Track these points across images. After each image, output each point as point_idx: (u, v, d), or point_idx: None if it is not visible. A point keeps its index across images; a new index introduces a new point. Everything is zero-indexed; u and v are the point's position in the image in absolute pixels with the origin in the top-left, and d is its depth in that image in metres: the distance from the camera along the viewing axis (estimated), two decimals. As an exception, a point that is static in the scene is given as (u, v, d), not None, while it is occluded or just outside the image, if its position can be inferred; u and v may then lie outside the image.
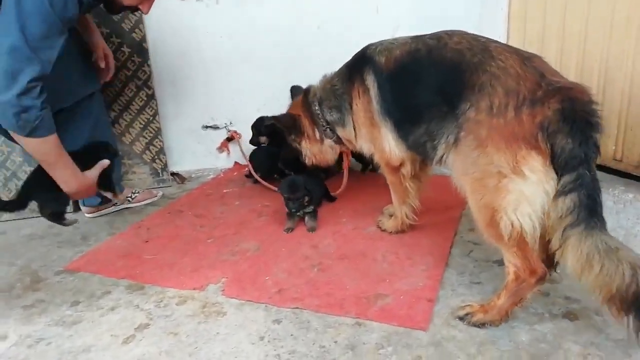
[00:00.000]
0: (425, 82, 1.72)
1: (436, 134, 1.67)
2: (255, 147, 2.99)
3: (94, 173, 2.02)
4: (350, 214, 2.39)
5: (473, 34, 1.71)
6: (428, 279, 1.77)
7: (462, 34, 1.71)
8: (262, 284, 1.81)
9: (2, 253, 2.20)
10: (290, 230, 2.24)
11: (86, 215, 2.59)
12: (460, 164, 1.58)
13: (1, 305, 1.77)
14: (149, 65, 2.97)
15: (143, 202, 2.72)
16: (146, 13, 2.14)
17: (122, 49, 2.90)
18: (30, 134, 1.77)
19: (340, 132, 2.18)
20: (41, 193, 1.97)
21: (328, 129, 2.20)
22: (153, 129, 3.05)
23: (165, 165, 3.09)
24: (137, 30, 2.90)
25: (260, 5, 3.13)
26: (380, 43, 1.96)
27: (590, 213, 1.36)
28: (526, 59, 1.52)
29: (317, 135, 2.24)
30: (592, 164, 1.40)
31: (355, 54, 2.07)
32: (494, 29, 2.48)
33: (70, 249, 2.20)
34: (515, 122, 1.43)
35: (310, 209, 2.26)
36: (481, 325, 1.51)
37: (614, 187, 1.94)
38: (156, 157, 3.06)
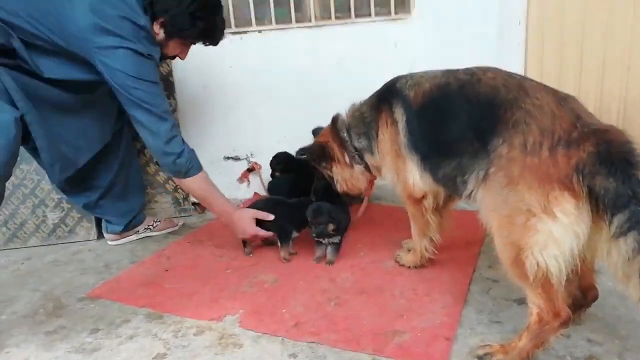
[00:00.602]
0: (457, 117, 1.71)
1: (467, 169, 1.66)
2: (273, 178, 3.07)
3: (249, 215, 2.31)
4: (368, 247, 2.39)
5: (507, 71, 1.70)
6: (446, 316, 1.75)
7: (496, 70, 1.71)
8: (279, 316, 1.81)
9: (27, 279, 2.26)
10: (319, 259, 2.27)
11: (109, 242, 2.64)
12: (490, 200, 1.55)
13: (24, 331, 1.81)
14: (174, 98, 3.07)
15: (164, 231, 2.77)
16: (183, 59, 2.33)
17: (150, 82, 3.00)
18: (186, 174, 2.17)
19: (368, 159, 2.18)
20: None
21: (357, 156, 2.20)
22: (178, 160, 3.11)
23: (187, 195, 3.15)
24: (164, 64, 3.01)
25: (281, 41, 3.23)
26: (411, 76, 1.96)
27: None
28: (562, 99, 1.51)
29: (347, 160, 2.23)
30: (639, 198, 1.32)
31: (385, 84, 2.09)
32: (511, 65, 2.51)
33: (93, 276, 2.25)
34: (549, 162, 1.41)
35: (336, 239, 2.26)
36: None
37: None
38: (178, 187, 3.12)
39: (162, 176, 3.09)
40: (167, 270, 2.26)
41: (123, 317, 1.87)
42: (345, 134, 2.21)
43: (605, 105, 2.04)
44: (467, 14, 2.96)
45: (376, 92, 2.14)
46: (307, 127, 3.20)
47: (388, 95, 2.01)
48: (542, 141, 1.44)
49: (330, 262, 2.25)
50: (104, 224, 2.67)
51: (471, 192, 1.66)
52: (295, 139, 3.21)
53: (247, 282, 2.09)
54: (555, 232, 1.38)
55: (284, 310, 1.85)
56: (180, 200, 3.12)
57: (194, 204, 3.14)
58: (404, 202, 2.08)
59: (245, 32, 3.19)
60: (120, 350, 1.66)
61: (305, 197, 2.52)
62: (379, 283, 2.03)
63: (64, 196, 2.62)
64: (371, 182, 2.40)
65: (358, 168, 2.24)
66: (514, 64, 2.55)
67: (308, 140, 3.17)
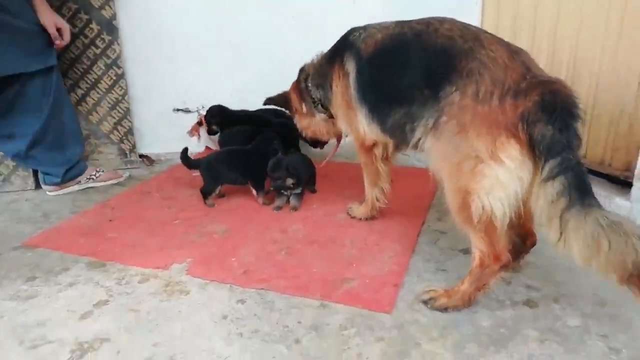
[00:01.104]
0: (410, 65, 1.72)
1: (416, 117, 1.67)
2: (211, 133, 3.03)
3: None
4: (321, 200, 2.39)
5: (463, 22, 1.70)
6: (394, 265, 1.78)
7: (453, 21, 1.71)
8: (228, 265, 1.78)
9: (-43, 227, 2.11)
10: (278, 208, 2.28)
11: (48, 193, 2.50)
12: (441, 148, 1.58)
13: (-48, 279, 1.69)
14: (118, 44, 2.90)
15: (108, 182, 2.65)
16: None
17: (91, 25, 2.82)
18: None
19: (330, 108, 2.19)
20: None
21: (319, 104, 2.22)
22: (122, 109, 2.98)
23: (134, 146, 3.03)
24: (107, 7, 2.82)
25: (236, -11, 3.10)
26: (364, 28, 1.97)
27: (582, 192, 1.33)
28: (515, 52, 1.54)
29: (305, 109, 2.28)
30: (575, 150, 1.39)
31: (340, 37, 2.08)
32: (468, 17, 2.52)
33: (30, 225, 2.13)
34: (498, 110, 1.45)
35: (297, 190, 2.29)
36: (444, 309, 1.53)
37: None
38: (124, 137, 2.99)
39: (106, 125, 2.94)
40: (111, 221, 2.17)
41: (62, 265, 1.78)
42: (304, 85, 2.24)
43: (557, 60, 2.07)
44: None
45: (333, 44, 2.13)
46: (261, 80, 3.11)
47: (341, 48, 2.03)
48: (493, 90, 1.47)
49: (294, 208, 2.28)
50: (40, 175, 2.52)
51: (419, 140, 1.68)
52: (248, 92, 3.12)
53: (196, 232, 2.04)
54: (501, 176, 1.43)
55: (233, 259, 1.82)
56: (127, 152, 2.99)
57: (141, 155, 3.02)
58: (357, 154, 2.11)
59: (197, -23, 3.03)
60: (59, 297, 1.59)
61: (258, 142, 2.47)
62: (331, 234, 2.03)
63: None
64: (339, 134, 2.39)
65: (320, 116, 2.26)
66: (472, 17, 2.55)
67: (261, 93, 3.09)
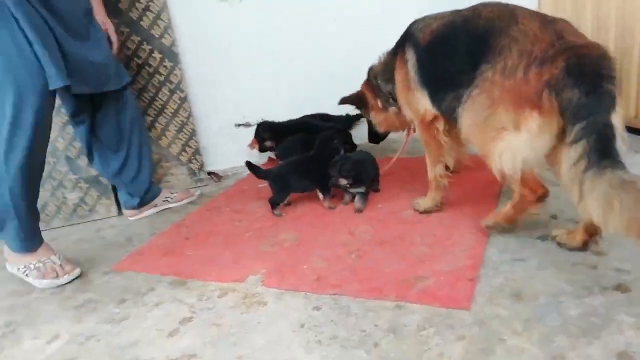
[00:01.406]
0: (458, 50, 1.80)
1: (462, 96, 1.76)
2: (267, 149, 3.08)
3: None
4: (385, 199, 2.37)
5: (505, 3, 1.76)
6: (468, 258, 1.73)
7: (496, 4, 1.78)
8: (301, 272, 1.81)
9: (54, 258, 2.31)
10: (347, 203, 2.37)
11: (129, 218, 2.67)
12: (472, 117, 1.72)
13: (54, 307, 1.85)
14: (180, 69, 3.04)
15: (182, 202, 2.79)
16: None
17: (153, 55, 2.98)
18: None
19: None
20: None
21: (390, 98, 2.32)
22: (188, 131, 3.12)
23: (202, 165, 3.16)
24: (166, 35, 2.97)
25: (282, 3, 3.14)
26: (423, 19, 2.07)
27: (601, 155, 1.35)
28: (548, 22, 1.57)
29: (380, 104, 2.41)
30: (604, 113, 1.40)
31: (404, 31, 2.17)
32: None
33: (116, 250, 2.28)
34: (522, 82, 1.54)
35: (360, 189, 2.30)
36: (493, 228, 1.86)
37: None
38: (192, 157, 3.13)
39: (175, 148, 3.09)
40: (187, 239, 2.28)
41: (148, 286, 1.90)
42: (375, 82, 2.38)
43: (628, 26, 1.88)
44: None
45: (397, 41, 2.23)
46: (313, 87, 3.16)
47: (403, 39, 2.14)
48: (519, 63, 1.56)
49: (359, 210, 2.28)
50: (122, 200, 2.70)
51: (457, 115, 1.81)
52: (303, 100, 3.17)
53: (268, 243, 2.10)
54: (514, 143, 1.59)
55: (305, 266, 1.85)
56: (196, 170, 3.13)
57: (209, 173, 3.14)
58: (418, 132, 2.18)
59: (244, -5, 3.12)
60: (148, 317, 1.69)
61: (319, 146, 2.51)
62: (399, 232, 2.00)
63: (91, 165, 2.65)
64: (409, 128, 2.48)
65: (392, 110, 2.37)
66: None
67: (315, 101, 3.14)
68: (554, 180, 1.71)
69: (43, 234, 2.13)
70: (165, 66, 3.00)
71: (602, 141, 1.37)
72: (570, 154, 1.41)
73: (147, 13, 2.91)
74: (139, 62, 2.96)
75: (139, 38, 2.93)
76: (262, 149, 3.11)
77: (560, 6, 2.28)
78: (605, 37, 2.11)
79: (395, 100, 2.29)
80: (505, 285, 1.55)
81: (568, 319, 1.36)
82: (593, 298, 1.43)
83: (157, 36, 2.95)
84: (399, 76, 2.14)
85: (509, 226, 1.82)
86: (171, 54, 3.00)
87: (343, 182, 2.24)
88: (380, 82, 2.34)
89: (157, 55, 2.98)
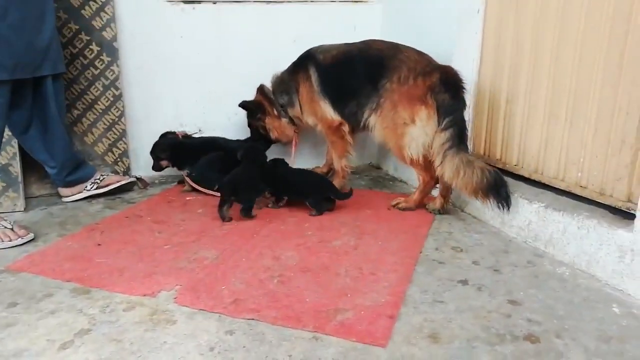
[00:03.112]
0: (357, 71, 2.58)
1: (364, 104, 2.56)
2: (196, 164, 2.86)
3: None
4: (316, 227, 2.33)
5: (388, 41, 2.65)
6: (390, 295, 1.72)
7: (382, 41, 2.71)
8: (217, 293, 1.72)
9: (-61, 249, 2.05)
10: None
11: (64, 199, 2.66)
12: (382, 120, 2.50)
13: None
14: (118, 66, 2.89)
15: (115, 185, 2.73)
16: None
17: (91, 46, 2.82)
18: None
19: (290, 112, 2.88)
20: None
21: (282, 111, 2.90)
22: (118, 131, 2.95)
23: (129, 168, 2.99)
24: (108, 28, 2.83)
25: (236, 15, 3.11)
26: (320, 46, 2.76)
27: (460, 141, 2.30)
28: (421, 53, 2.50)
29: (276, 112, 2.91)
30: (461, 111, 2.36)
31: (300, 56, 2.81)
32: (467, 52, 2.53)
33: (15, 248, 2.07)
34: (414, 86, 2.38)
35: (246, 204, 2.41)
36: (405, 209, 2.55)
37: (579, 213, 1.94)
38: (119, 159, 2.96)
39: (101, 147, 2.91)
40: (99, 245, 2.11)
41: (45, 291, 1.72)
42: (271, 96, 2.91)
43: (557, 98, 2.08)
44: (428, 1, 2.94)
45: (293, 62, 2.85)
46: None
47: (304, 60, 2.77)
48: (409, 75, 2.40)
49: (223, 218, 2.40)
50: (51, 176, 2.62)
51: (366, 120, 2.57)
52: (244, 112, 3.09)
53: (186, 258, 1.98)
54: (414, 133, 2.38)
55: (223, 287, 1.75)
56: (120, 174, 2.94)
57: (137, 178, 2.96)
58: (325, 135, 2.82)
59: (199, 2, 3.04)
60: (39, 325, 1.51)
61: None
62: (325, 262, 1.97)
63: None
64: (297, 135, 3.02)
65: (284, 120, 2.93)
66: (469, 52, 2.56)
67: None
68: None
69: None
70: (102, 60, 2.85)
71: (461, 131, 2.32)
72: (441, 137, 2.30)
73: (91, 3, 2.76)
74: (74, 51, 2.79)
75: (77, 27, 2.77)
76: (157, 168, 2.89)
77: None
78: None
79: (286, 113, 2.89)
80: (424, 325, 1.54)
81: (479, 365, 1.37)
82: (504, 346, 1.45)
83: (97, 28, 2.80)
84: (304, 89, 2.75)
85: (416, 208, 2.54)
86: (111, 49, 2.85)
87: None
88: (276, 95, 2.88)
89: (94, 47, 2.82)
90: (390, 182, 3.17)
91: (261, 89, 2.92)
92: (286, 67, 2.87)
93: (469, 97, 2.45)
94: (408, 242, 2.16)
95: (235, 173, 2.47)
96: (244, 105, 2.93)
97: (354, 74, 2.57)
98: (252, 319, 1.56)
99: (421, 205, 2.53)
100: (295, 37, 3.13)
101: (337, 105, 2.66)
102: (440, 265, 1.96)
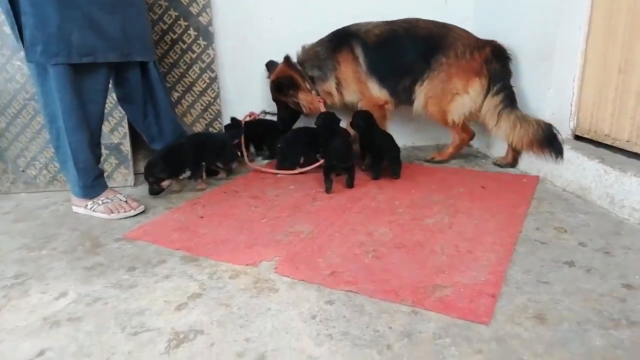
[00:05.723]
0: (408, 49, 2.80)
1: (418, 79, 2.80)
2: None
3: None
4: (407, 204, 2.32)
5: (429, 19, 2.85)
6: (491, 274, 1.67)
7: (423, 19, 2.86)
8: (315, 265, 1.77)
9: (66, 219, 2.29)
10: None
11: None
12: (428, 89, 2.78)
13: (63, 265, 1.82)
14: (213, 49, 3.01)
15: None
16: None
17: (189, 32, 2.96)
18: None
19: (320, 85, 2.93)
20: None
21: (312, 83, 2.94)
22: (213, 112, 3.09)
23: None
24: (204, 14, 2.95)
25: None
26: (357, 24, 2.90)
27: (511, 102, 2.66)
28: (466, 31, 2.82)
29: (309, 86, 2.93)
30: (509, 78, 2.72)
31: (337, 32, 2.92)
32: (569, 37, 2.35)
33: (130, 219, 2.26)
34: (471, 60, 2.70)
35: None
36: (438, 162, 2.97)
37: None
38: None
39: (198, 127, 3.07)
40: (202, 217, 2.24)
41: (159, 257, 1.86)
42: (299, 67, 2.92)
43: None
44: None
45: (327, 36, 2.93)
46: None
47: (347, 39, 2.86)
48: (465, 50, 2.72)
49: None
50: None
51: (414, 94, 2.83)
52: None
53: (283, 232, 2.05)
54: (464, 101, 2.75)
55: (320, 260, 1.80)
56: (216, 153, 3.08)
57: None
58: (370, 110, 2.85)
59: (288, -18, 3.09)
60: (157, 288, 1.65)
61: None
62: (419, 239, 1.95)
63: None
64: (321, 103, 3.00)
65: (314, 93, 2.96)
66: (576, 18, 2.38)
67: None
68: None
69: (58, 195, 2.11)
70: (199, 44, 2.99)
71: (511, 95, 2.68)
72: (494, 100, 2.68)
73: (189, -10, 2.89)
74: (174, 37, 2.95)
75: (176, 13, 2.91)
76: (156, 191, 2.51)
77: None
78: None
79: (314, 84, 2.92)
80: (529, 305, 1.49)
81: (592, 348, 1.30)
82: (620, 331, 1.36)
83: (194, 13, 2.94)
84: (348, 68, 2.85)
85: (449, 160, 2.96)
86: (206, 33, 2.98)
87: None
88: (306, 67, 2.90)
89: (192, 32, 2.96)
90: (483, 160, 3.06)
91: (287, 60, 2.93)
92: (316, 42, 2.93)
93: (574, 68, 2.45)
94: (505, 222, 2.08)
95: (338, 142, 2.53)
96: (278, 82, 2.91)
97: (405, 52, 2.78)
98: (350, 291, 1.59)
99: (453, 158, 2.97)
100: (384, 11, 3.09)
101: (386, 83, 2.83)
102: (543, 245, 1.87)
